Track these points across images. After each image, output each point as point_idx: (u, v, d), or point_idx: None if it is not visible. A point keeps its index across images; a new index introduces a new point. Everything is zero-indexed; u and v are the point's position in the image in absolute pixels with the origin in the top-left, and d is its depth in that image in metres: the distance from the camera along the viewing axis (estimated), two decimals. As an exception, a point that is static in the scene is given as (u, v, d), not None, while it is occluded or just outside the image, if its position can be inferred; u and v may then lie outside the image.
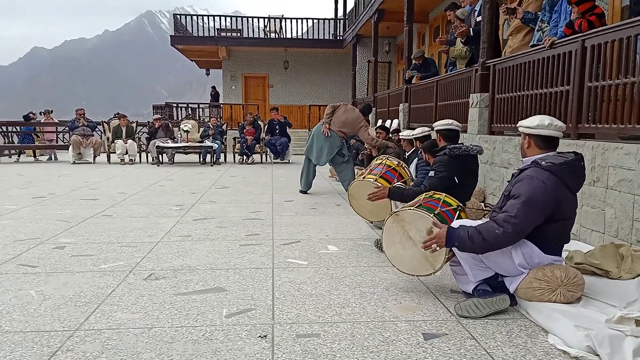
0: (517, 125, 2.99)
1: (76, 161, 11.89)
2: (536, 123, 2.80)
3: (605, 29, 3.92)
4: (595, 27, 4.20)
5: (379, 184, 4.02)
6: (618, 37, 3.73)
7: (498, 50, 6.34)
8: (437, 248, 2.77)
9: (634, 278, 3.02)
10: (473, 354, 2.27)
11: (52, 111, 14.13)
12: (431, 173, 3.80)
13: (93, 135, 12.26)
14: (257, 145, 12.36)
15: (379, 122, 12.61)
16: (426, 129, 5.44)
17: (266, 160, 12.78)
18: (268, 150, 12.35)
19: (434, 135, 4.39)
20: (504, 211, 2.69)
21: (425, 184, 3.74)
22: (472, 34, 6.84)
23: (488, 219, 2.98)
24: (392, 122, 11.25)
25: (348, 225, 5.11)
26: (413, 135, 5.93)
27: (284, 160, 12.59)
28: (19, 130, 13.39)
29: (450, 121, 4.11)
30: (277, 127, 12.30)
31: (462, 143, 3.89)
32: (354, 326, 2.57)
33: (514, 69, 5.43)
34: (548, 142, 2.82)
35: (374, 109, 14.17)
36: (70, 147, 11.89)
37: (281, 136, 12.27)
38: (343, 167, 7.06)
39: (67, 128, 12.67)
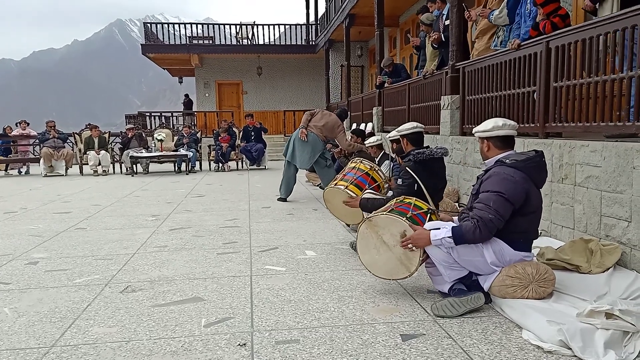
0: (474, 132, 3.08)
1: (47, 174, 11.68)
2: (491, 125, 2.95)
3: (568, 31, 4.04)
4: (558, 28, 4.32)
5: (350, 191, 4.07)
6: (581, 38, 3.84)
7: (467, 53, 6.46)
8: (414, 248, 2.83)
9: (603, 272, 3.11)
10: (450, 353, 2.31)
11: (28, 123, 13.73)
12: (398, 181, 3.84)
13: (64, 147, 12.04)
14: (232, 152, 12.31)
15: (354, 126, 12.70)
16: (378, 137, 6.11)
17: (242, 167, 12.75)
18: (244, 157, 12.32)
19: (387, 142, 4.48)
20: (478, 202, 2.77)
21: (394, 193, 3.79)
22: (443, 40, 6.95)
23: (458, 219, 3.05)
24: (366, 125, 11.34)
25: (325, 230, 5.13)
26: (369, 143, 6.12)
27: (260, 167, 12.58)
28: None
29: (415, 124, 4.16)
30: (253, 133, 12.29)
31: (428, 146, 3.94)
32: (332, 330, 2.59)
33: (482, 71, 5.54)
34: (506, 142, 2.97)
35: (348, 113, 14.26)
36: (41, 160, 11.66)
37: (257, 142, 12.26)
38: (325, 170, 7.04)
39: (37, 140, 12.43)
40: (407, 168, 3.77)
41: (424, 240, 2.79)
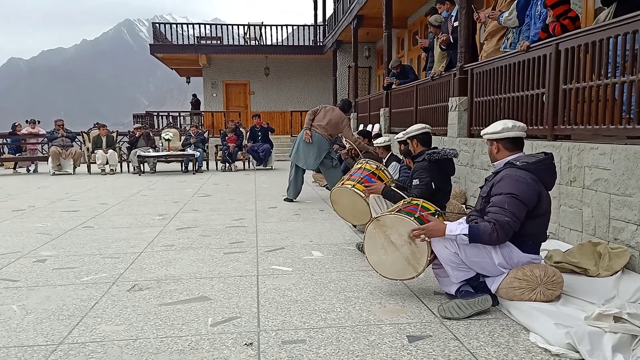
0: (482, 134, 3.06)
1: (56, 172, 11.75)
2: (501, 127, 2.93)
3: (577, 33, 4.02)
4: (568, 30, 4.29)
5: (357, 190, 4.08)
6: (590, 40, 3.82)
7: (475, 55, 6.44)
8: (426, 239, 2.81)
9: (611, 275, 3.09)
10: (457, 355, 2.31)
11: (39, 121, 13.84)
12: (415, 182, 3.85)
13: (72, 146, 12.11)
14: (239, 152, 12.34)
15: (361, 127, 12.69)
16: (386, 138, 6.03)
17: (249, 167, 12.77)
18: (250, 157, 12.35)
19: (395, 143, 4.48)
20: (492, 205, 2.75)
21: (413, 194, 3.80)
22: (452, 41, 6.92)
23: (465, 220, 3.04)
24: (373, 126, 11.33)
25: (332, 230, 5.13)
26: (377, 144, 6.11)
27: (267, 167, 12.59)
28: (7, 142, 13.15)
29: (423, 125, 4.18)
30: (260, 133, 12.31)
31: (436, 147, 3.96)
32: (339, 331, 2.59)
33: (491, 73, 5.52)
34: (515, 143, 2.95)
35: (355, 114, 14.26)
36: (50, 159, 11.73)
37: (263, 143, 12.28)
38: (331, 171, 7.01)
39: (45, 139, 12.52)
40: (422, 167, 3.77)
41: (439, 232, 2.77)
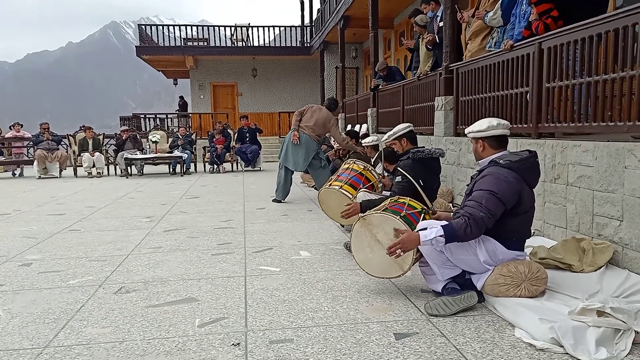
0: (467, 132, 3.08)
1: (42, 176, 11.64)
2: (486, 125, 2.95)
3: (559, 32, 4.06)
4: (551, 29, 4.34)
5: (344, 191, 4.09)
6: (573, 39, 3.86)
7: (461, 54, 6.49)
8: (402, 253, 2.80)
9: (595, 271, 3.13)
10: (443, 351, 2.33)
11: (21, 125, 13.69)
12: (398, 178, 3.87)
13: (58, 149, 12.01)
14: (227, 154, 12.30)
15: (349, 127, 12.71)
16: (375, 138, 5.98)
17: (237, 168, 12.74)
18: (239, 158, 12.32)
19: (382, 145, 4.50)
20: (470, 199, 2.77)
21: (394, 190, 3.81)
22: (437, 41, 6.97)
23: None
24: (361, 126, 11.36)
25: (320, 230, 5.14)
26: (366, 143, 6.11)
27: (255, 168, 12.58)
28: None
29: (408, 124, 4.20)
30: (247, 134, 12.29)
31: (423, 146, 3.98)
32: (326, 330, 2.60)
33: (476, 72, 5.57)
34: (500, 141, 2.98)
35: (343, 114, 14.29)
36: (35, 162, 11.62)
37: (252, 144, 12.26)
38: (320, 172, 6.99)
39: (31, 143, 12.39)
40: (406, 165, 3.79)
41: (414, 242, 2.75)
